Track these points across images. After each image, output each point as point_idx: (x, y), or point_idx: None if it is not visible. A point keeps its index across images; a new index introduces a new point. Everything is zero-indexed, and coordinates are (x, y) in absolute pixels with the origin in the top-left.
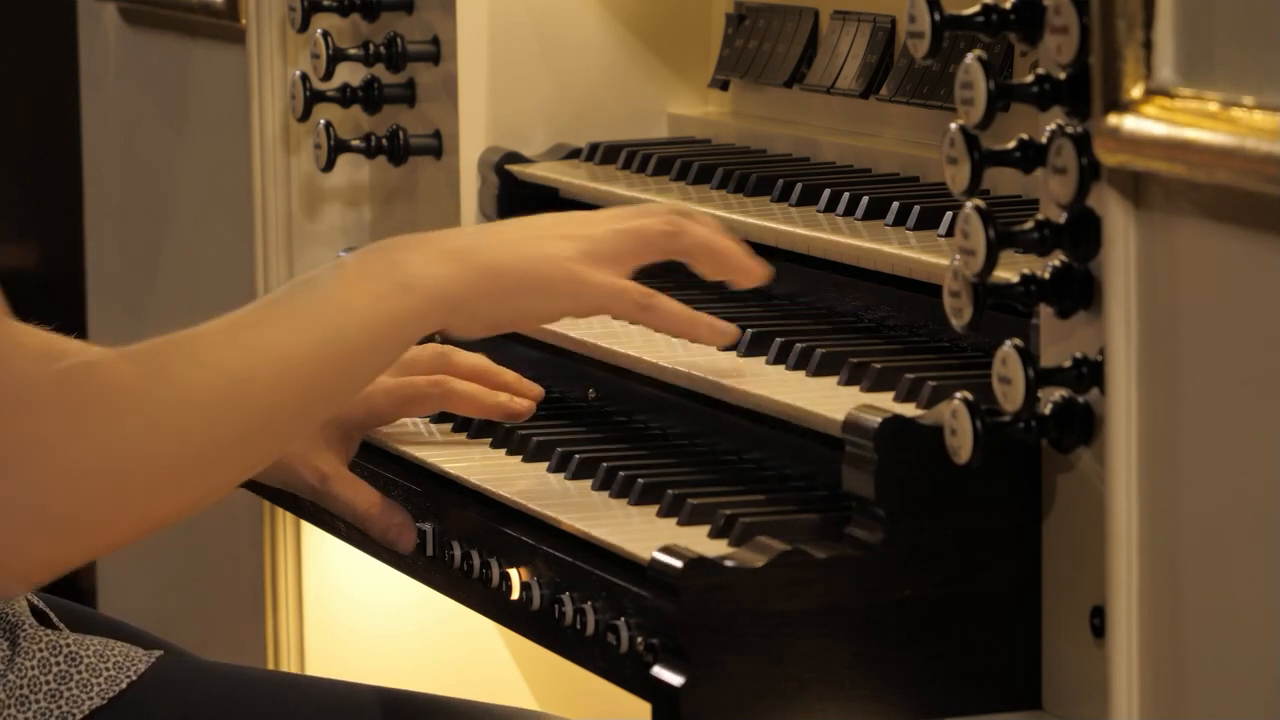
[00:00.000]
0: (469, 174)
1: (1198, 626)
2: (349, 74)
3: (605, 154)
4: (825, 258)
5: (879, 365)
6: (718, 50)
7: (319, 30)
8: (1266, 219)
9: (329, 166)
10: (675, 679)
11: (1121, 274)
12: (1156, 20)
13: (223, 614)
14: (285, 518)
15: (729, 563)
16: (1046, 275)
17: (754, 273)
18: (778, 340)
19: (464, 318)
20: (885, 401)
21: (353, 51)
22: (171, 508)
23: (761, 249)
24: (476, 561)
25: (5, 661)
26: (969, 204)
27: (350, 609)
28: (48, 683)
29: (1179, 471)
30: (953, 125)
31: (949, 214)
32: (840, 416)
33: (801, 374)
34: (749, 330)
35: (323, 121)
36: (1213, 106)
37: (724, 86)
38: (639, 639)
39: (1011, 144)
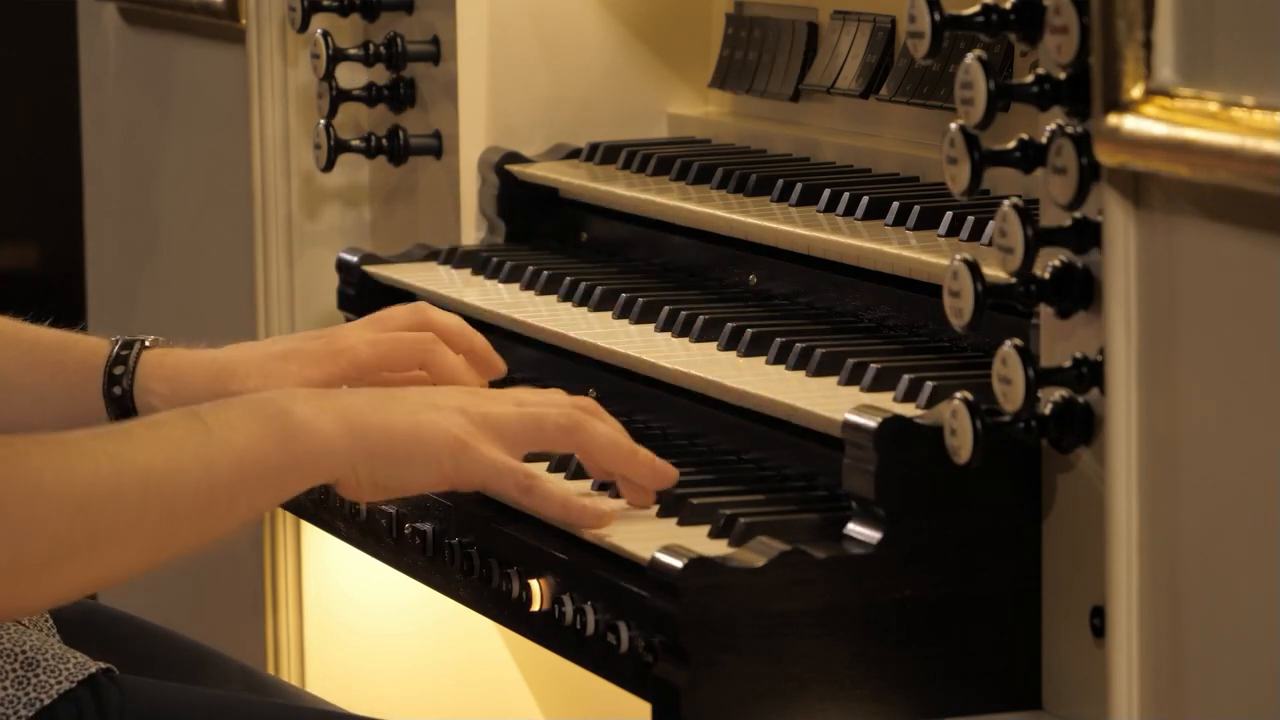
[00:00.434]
0: (469, 174)
1: (1198, 626)
2: (350, 74)
3: (605, 154)
4: (825, 258)
5: (879, 365)
6: (718, 50)
7: (319, 30)
8: (1266, 219)
9: (329, 166)
10: (675, 679)
11: (1121, 274)
12: (1156, 20)
13: (223, 614)
14: (285, 518)
15: (729, 563)
16: (1046, 275)
17: (664, 475)
18: (778, 340)
19: (347, 477)
20: (885, 402)
21: (353, 52)
22: (61, 589)
23: (761, 249)
24: (477, 562)
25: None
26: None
27: (350, 609)
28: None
29: (1179, 471)
30: (953, 125)
31: (949, 214)
32: (840, 416)
33: (801, 374)
34: (749, 330)
35: (322, 121)
36: (1213, 106)
37: (724, 86)
38: (639, 639)
39: (1011, 144)
